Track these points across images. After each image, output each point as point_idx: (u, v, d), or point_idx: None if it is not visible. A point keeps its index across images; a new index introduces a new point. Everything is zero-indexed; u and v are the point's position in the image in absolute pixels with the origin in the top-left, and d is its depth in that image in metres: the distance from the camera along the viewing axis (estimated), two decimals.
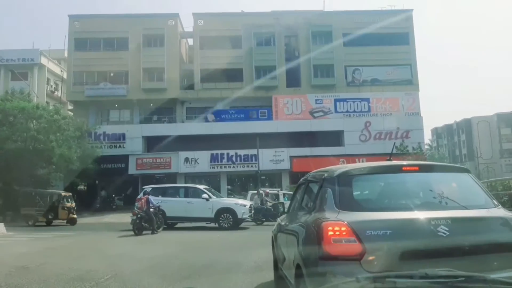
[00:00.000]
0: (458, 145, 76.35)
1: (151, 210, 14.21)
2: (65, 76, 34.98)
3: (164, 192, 16.96)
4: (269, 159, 30.65)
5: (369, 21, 33.03)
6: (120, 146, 31.63)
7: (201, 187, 17.67)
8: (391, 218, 3.06)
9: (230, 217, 15.83)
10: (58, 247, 11.61)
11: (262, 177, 26.38)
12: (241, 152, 31.03)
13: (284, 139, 30.83)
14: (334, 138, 32.45)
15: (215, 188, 31.91)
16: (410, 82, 33.70)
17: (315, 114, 32.58)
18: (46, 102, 32.48)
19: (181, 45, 35.75)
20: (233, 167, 31.24)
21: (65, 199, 20.75)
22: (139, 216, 13.98)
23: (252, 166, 30.39)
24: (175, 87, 33.03)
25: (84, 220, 22.36)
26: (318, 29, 33.52)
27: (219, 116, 32.56)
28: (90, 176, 28.06)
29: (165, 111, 33.75)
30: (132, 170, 30.76)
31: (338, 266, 2.88)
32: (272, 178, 31.95)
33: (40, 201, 20.57)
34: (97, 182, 31.56)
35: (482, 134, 67.86)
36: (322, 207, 3.41)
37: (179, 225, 17.17)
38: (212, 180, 32.58)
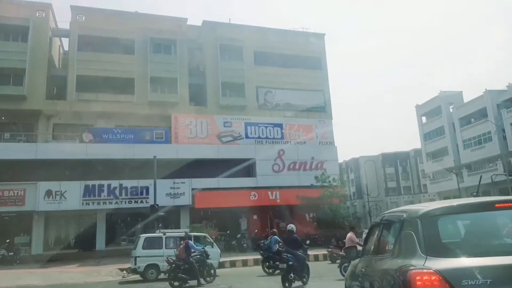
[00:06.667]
0: (347, 184, 78.97)
1: (197, 256, 12.39)
2: None
3: None
4: (165, 192, 24.09)
5: (282, 40, 30.77)
6: None
7: None
8: (490, 264, 2.69)
9: None
10: None
11: (161, 213, 19.73)
12: (128, 183, 23.86)
13: (185, 168, 24.75)
14: (245, 167, 27.55)
15: (90, 232, 24.15)
16: (323, 109, 31.13)
17: (224, 139, 27.39)
18: None
19: (54, 46, 27.78)
20: (116, 203, 23.64)
21: None
22: (174, 265, 11.93)
23: (142, 202, 23.57)
24: (39, 95, 24.78)
25: None
26: (228, 42, 29.19)
27: (100, 135, 24.93)
28: None
29: (22, 127, 25.07)
30: None
31: None
32: (168, 216, 25.30)
33: None
34: None
35: (369, 173, 71.14)
36: (405, 252, 3.09)
37: None
38: (85, 221, 24.54)
